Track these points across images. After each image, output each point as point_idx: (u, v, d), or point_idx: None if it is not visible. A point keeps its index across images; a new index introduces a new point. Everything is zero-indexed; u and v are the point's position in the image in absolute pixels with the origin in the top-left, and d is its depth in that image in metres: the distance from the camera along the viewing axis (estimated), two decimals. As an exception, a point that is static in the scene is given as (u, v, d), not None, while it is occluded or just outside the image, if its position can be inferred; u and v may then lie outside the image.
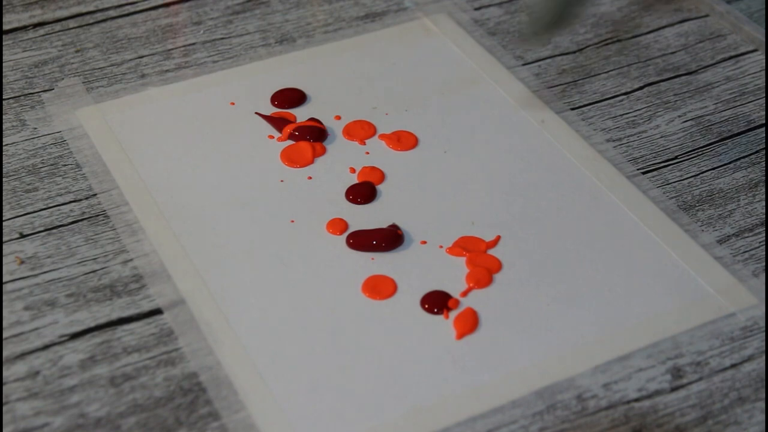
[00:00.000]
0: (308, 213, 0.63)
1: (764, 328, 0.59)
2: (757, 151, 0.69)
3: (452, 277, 0.60)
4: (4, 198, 0.63)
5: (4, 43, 0.74)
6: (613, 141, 0.69)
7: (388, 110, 0.71)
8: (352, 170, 0.66)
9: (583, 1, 0.63)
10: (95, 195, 0.63)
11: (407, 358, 0.56)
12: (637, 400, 0.55)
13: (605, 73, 0.75)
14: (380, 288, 0.60)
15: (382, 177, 0.66)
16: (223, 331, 0.57)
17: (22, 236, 0.61)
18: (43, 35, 0.75)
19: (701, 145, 0.70)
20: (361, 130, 0.69)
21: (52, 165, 0.65)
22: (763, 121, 0.72)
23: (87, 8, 0.77)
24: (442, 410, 0.54)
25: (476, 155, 0.68)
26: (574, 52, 0.76)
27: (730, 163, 0.69)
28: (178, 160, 0.66)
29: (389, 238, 0.61)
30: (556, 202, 0.65)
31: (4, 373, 0.54)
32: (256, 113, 0.69)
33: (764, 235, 0.64)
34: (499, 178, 0.66)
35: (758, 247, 0.63)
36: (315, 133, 0.67)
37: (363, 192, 0.65)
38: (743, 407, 0.55)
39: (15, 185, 0.64)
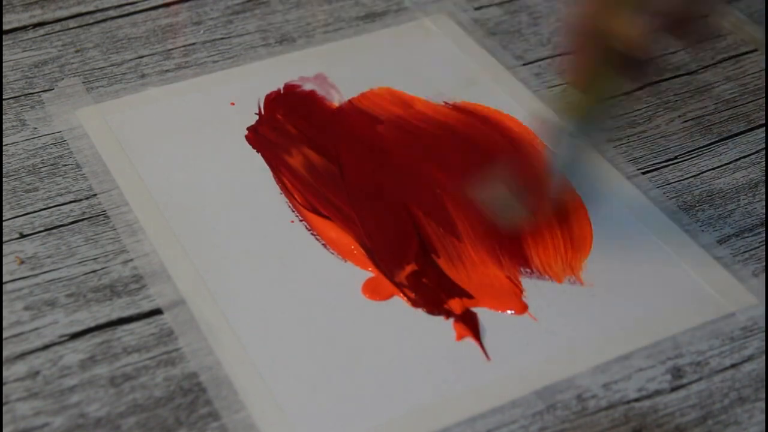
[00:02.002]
0: (308, 213, 0.64)
1: (764, 328, 0.59)
2: (757, 151, 0.69)
3: (452, 277, 0.60)
4: (4, 198, 0.63)
5: (4, 43, 0.74)
6: (613, 141, 0.69)
7: (388, 110, 0.71)
8: None
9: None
10: (95, 195, 0.63)
11: (407, 359, 0.56)
12: (637, 400, 0.55)
13: (605, 73, 0.75)
14: (380, 289, 0.59)
15: None
16: (223, 331, 0.57)
17: (22, 236, 0.61)
18: (43, 35, 0.75)
19: (701, 145, 0.70)
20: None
21: (52, 165, 0.65)
22: (763, 121, 0.72)
23: (87, 8, 0.77)
24: (442, 410, 0.54)
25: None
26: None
27: (730, 163, 0.69)
28: (178, 160, 0.66)
29: None
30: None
31: (4, 373, 0.54)
32: None
33: (764, 235, 0.64)
34: (499, 178, 0.67)
35: (758, 247, 0.63)
36: None
37: None
38: (743, 407, 0.55)
39: (15, 185, 0.64)
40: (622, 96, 0.57)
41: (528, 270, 0.61)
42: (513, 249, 0.62)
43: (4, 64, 0.72)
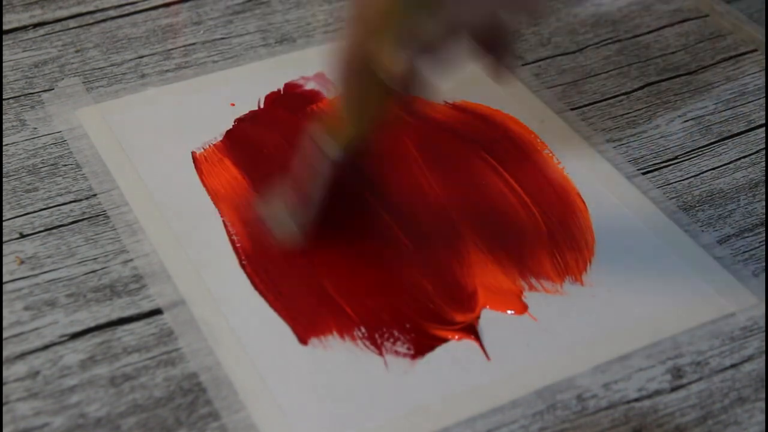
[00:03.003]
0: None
1: (764, 328, 0.59)
2: (757, 151, 0.69)
3: (452, 277, 0.60)
4: (4, 198, 0.63)
5: (4, 43, 0.74)
6: (613, 141, 0.69)
7: (388, 110, 0.70)
8: None
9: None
10: (95, 195, 0.63)
11: (407, 359, 0.56)
12: (637, 400, 0.55)
13: (605, 73, 0.75)
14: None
15: None
16: (223, 331, 0.57)
17: (22, 236, 0.61)
18: (43, 35, 0.75)
19: (701, 145, 0.70)
20: None
21: (52, 165, 0.65)
22: (763, 121, 0.72)
23: (87, 8, 0.77)
24: (442, 410, 0.54)
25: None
26: (574, 52, 0.76)
27: (730, 163, 0.69)
28: (178, 160, 0.66)
29: None
30: (556, 202, 0.65)
31: (4, 373, 0.54)
32: None
33: (764, 235, 0.64)
34: (499, 178, 0.67)
35: (758, 247, 0.63)
36: None
37: None
38: (743, 407, 0.55)
39: (15, 185, 0.64)
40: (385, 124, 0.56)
41: (528, 271, 0.61)
42: (514, 249, 0.62)
43: (4, 64, 0.72)
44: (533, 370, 0.56)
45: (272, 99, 0.70)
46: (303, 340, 0.56)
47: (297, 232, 0.58)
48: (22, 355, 0.55)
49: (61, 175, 0.65)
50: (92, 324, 0.57)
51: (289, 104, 0.70)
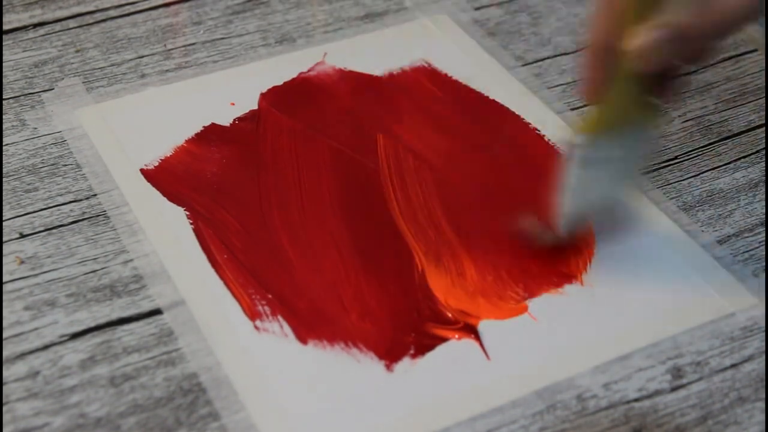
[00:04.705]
0: (308, 213, 0.64)
1: (764, 328, 0.59)
2: (757, 151, 0.69)
3: (452, 277, 0.60)
4: (4, 198, 0.63)
5: (4, 43, 0.74)
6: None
7: (388, 110, 0.71)
8: None
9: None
10: (95, 195, 0.63)
11: (407, 359, 0.56)
12: (637, 400, 0.55)
13: (605, 73, 0.74)
14: (380, 288, 0.59)
15: None
16: (223, 331, 0.57)
17: (22, 236, 0.61)
18: (43, 35, 0.75)
19: (701, 145, 0.70)
20: None
21: (52, 165, 0.65)
22: (763, 121, 0.72)
23: (87, 8, 0.77)
24: (442, 410, 0.54)
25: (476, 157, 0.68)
26: (574, 52, 0.76)
27: (730, 163, 0.69)
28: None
29: None
30: (556, 202, 0.65)
31: (4, 373, 0.54)
32: None
33: (764, 235, 0.64)
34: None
35: (758, 247, 0.63)
36: None
37: None
38: (743, 407, 0.55)
39: (15, 185, 0.64)
40: (652, 118, 0.57)
41: (528, 271, 0.61)
42: (514, 249, 0.62)
43: (4, 64, 0.72)
44: (533, 370, 0.56)
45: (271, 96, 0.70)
46: (303, 339, 0.56)
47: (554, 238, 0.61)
48: (22, 355, 0.55)
49: (61, 175, 0.65)
50: (92, 324, 0.57)
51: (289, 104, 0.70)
